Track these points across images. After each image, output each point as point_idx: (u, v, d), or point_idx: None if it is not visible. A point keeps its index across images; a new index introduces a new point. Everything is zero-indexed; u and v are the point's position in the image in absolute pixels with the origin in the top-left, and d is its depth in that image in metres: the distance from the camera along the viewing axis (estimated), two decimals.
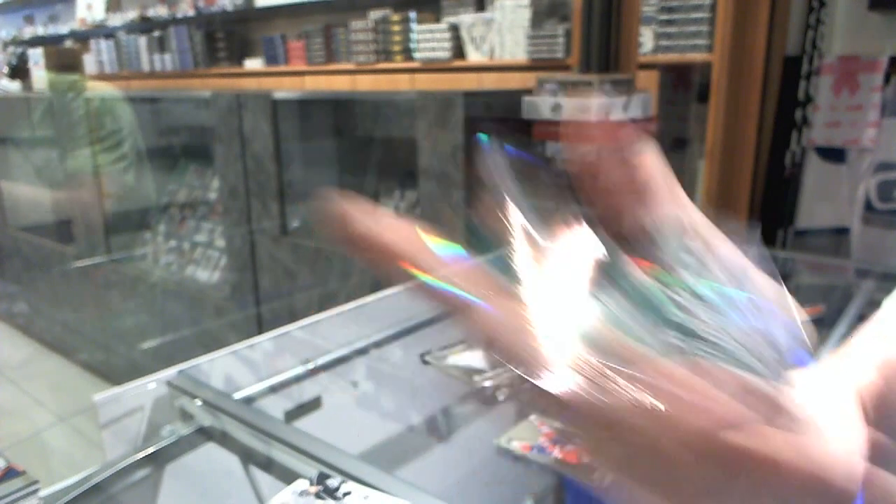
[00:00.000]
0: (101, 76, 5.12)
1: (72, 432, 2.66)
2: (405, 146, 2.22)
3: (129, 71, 5.02)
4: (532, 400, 0.19)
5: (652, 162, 0.25)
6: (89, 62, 5.07)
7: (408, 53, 3.27)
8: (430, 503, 0.67)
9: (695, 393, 0.19)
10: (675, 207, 0.26)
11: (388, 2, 3.40)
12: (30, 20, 6.34)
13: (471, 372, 1.15)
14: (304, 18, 3.86)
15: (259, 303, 2.39)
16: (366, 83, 3.33)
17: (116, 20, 5.13)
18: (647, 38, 2.10)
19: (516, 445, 0.94)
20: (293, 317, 2.30)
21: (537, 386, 0.19)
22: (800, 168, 1.61)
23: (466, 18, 3.08)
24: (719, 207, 1.69)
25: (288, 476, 0.77)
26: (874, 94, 1.49)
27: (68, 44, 5.51)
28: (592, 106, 1.51)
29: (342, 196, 0.23)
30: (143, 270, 3.03)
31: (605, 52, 1.70)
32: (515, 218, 0.22)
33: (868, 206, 1.54)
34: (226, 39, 4.43)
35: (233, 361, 1.07)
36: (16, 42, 6.20)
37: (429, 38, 3.18)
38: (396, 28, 3.27)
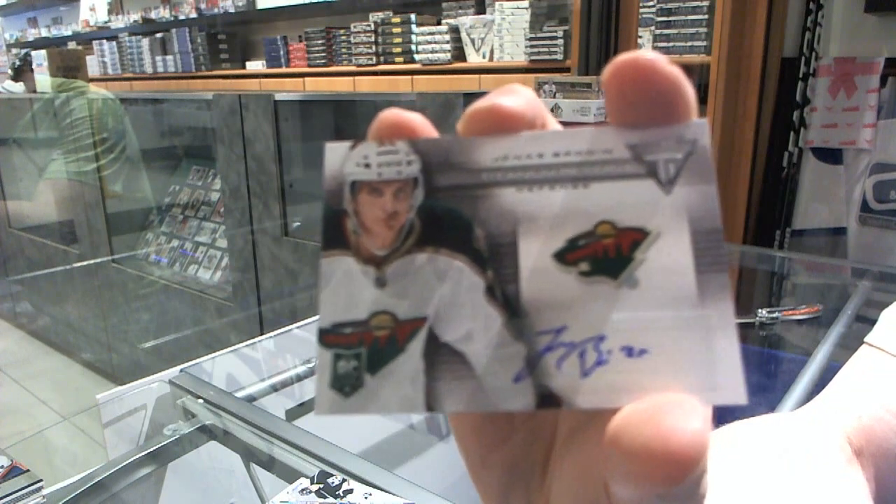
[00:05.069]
0: (105, 78, 5.13)
1: (75, 431, 2.67)
2: None
3: (132, 72, 5.03)
4: None
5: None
6: (92, 64, 5.08)
7: (408, 55, 3.28)
8: (431, 501, 0.68)
9: None
10: None
11: (389, 4, 3.41)
12: (33, 22, 6.35)
13: None
14: (305, 20, 3.87)
15: (261, 302, 2.40)
16: (366, 85, 3.34)
17: (119, 22, 5.14)
18: (645, 40, 2.11)
19: None
20: (294, 316, 2.31)
21: None
22: (797, 169, 1.62)
23: (466, 20, 3.08)
24: None
25: (289, 474, 0.78)
26: (870, 96, 1.50)
27: (71, 46, 5.53)
28: (591, 107, 1.52)
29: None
30: (145, 270, 3.04)
31: (603, 54, 1.71)
32: None
33: (864, 207, 1.55)
34: (228, 41, 4.44)
35: (234, 360, 1.08)
36: (19, 44, 6.22)
37: (429, 40, 3.19)
38: (397, 30, 3.28)
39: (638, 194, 0.16)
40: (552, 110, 1.61)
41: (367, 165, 0.18)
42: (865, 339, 0.43)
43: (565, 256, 0.17)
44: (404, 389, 0.16)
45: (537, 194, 0.17)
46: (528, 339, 0.16)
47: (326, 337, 0.17)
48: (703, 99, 1.61)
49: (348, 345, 0.17)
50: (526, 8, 2.82)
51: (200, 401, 0.91)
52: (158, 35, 4.77)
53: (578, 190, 0.17)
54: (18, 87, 3.21)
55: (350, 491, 0.69)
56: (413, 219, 0.17)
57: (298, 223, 2.31)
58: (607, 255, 0.16)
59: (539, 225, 0.17)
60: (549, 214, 0.17)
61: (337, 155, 0.18)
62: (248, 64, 4.36)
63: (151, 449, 0.86)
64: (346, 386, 0.16)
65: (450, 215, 0.17)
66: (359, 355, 0.17)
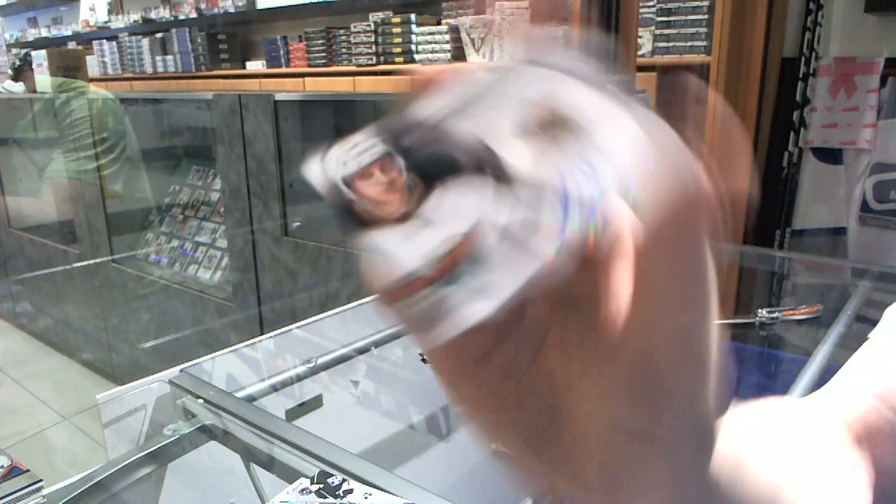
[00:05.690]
0: (105, 78, 5.13)
1: (75, 431, 2.67)
2: None
3: (132, 72, 5.03)
4: None
5: None
6: (92, 64, 5.08)
7: (408, 55, 3.28)
8: (430, 501, 0.68)
9: None
10: None
11: (389, 4, 3.41)
12: (33, 22, 6.35)
13: None
14: (305, 20, 3.87)
15: (260, 302, 2.41)
16: (366, 85, 3.34)
17: (119, 22, 5.14)
18: (645, 40, 2.11)
19: None
20: (294, 316, 2.31)
21: None
22: (797, 169, 1.62)
23: (466, 20, 3.08)
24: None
25: (289, 474, 0.78)
26: (870, 96, 1.50)
27: (71, 46, 5.53)
28: None
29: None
30: (145, 270, 3.04)
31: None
32: None
33: (864, 207, 1.55)
34: (228, 41, 4.44)
35: (234, 360, 1.08)
36: (19, 44, 6.22)
37: (429, 40, 3.19)
38: (397, 30, 3.28)
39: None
40: None
41: (345, 163, 0.20)
42: (870, 336, 0.44)
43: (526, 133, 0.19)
44: (477, 297, 0.18)
45: (484, 107, 0.20)
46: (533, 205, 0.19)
47: (396, 293, 0.19)
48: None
49: (415, 291, 0.19)
50: (526, 8, 2.82)
51: (200, 401, 0.91)
52: (158, 35, 4.77)
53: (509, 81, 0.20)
54: (18, 87, 3.21)
55: (350, 491, 0.69)
56: (408, 177, 0.19)
57: (298, 223, 2.31)
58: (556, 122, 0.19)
59: (495, 122, 0.19)
60: (495, 112, 0.19)
61: (316, 170, 0.20)
62: (248, 64, 4.36)
63: (151, 449, 0.86)
64: (429, 320, 0.19)
65: (432, 158, 0.19)
66: (428, 296, 0.19)
